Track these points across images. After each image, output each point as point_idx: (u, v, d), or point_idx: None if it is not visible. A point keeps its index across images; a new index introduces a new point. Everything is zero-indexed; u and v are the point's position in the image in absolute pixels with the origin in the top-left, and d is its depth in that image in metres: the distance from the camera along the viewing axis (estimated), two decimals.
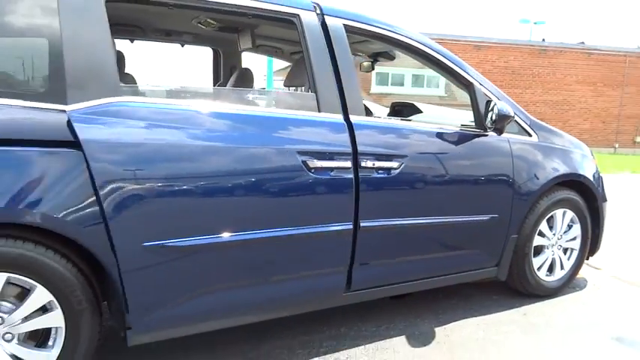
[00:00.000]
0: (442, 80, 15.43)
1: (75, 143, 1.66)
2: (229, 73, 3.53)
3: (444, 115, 3.33)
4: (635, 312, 2.86)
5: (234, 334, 2.34)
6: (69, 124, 1.66)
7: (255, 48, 3.15)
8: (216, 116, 1.95)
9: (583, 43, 17.35)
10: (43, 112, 1.66)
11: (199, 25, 2.85)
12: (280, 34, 3.10)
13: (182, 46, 3.44)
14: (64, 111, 1.67)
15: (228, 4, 2.04)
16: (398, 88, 15.35)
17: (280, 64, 8.85)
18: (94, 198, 1.68)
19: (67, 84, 1.69)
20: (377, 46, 2.99)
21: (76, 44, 1.72)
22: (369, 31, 2.40)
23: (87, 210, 1.68)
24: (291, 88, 2.63)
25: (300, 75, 2.49)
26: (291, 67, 2.57)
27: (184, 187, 1.82)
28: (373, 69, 3.44)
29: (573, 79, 16.28)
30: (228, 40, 3.30)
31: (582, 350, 2.39)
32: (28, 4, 1.69)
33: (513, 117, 2.55)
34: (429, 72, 15.52)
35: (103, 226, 1.70)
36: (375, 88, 15.06)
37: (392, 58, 3.28)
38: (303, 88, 2.50)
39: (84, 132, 1.67)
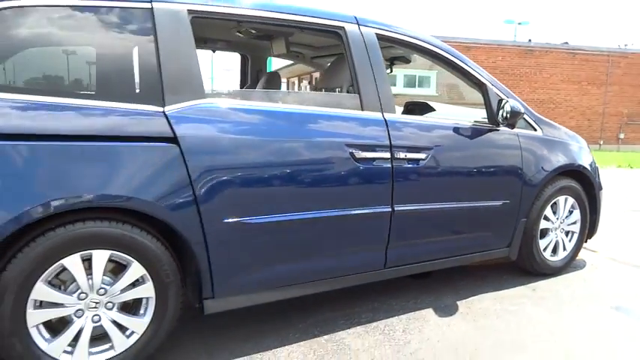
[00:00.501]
0: (433, 80, 15.86)
1: (172, 139, 1.96)
2: (256, 76, 3.82)
3: (455, 113, 3.66)
4: (630, 286, 3.22)
5: (282, 307, 2.64)
6: (167, 122, 1.95)
7: (288, 53, 3.45)
8: (282, 113, 2.27)
9: (567, 43, 17.93)
10: (146, 114, 1.95)
11: (238, 33, 3.14)
12: (307, 41, 3.41)
13: (213, 52, 3.73)
14: (163, 112, 1.97)
15: (289, 20, 2.37)
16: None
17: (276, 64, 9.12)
18: (188, 185, 1.97)
19: (164, 89, 1.98)
20: (397, 51, 3.30)
21: (169, 56, 2.01)
22: (396, 38, 2.73)
23: (180, 195, 1.97)
24: (325, 89, 2.93)
25: (335, 77, 2.79)
26: (326, 71, 2.87)
27: (257, 173, 2.13)
28: (391, 71, 3.76)
29: (559, 78, 16.82)
30: (257, 46, 3.59)
31: (587, 317, 2.73)
32: (129, 24, 1.98)
33: (524, 113, 2.89)
34: (420, 72, 15.94)
35: (194, 208, 1.99)
36: None
37: (408, 61, 3.60)
38: (340, 89, 2.80)
39: (179, 129, 1.96)
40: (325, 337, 2.43)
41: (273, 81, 3.51)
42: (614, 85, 17.36)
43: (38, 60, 1.94)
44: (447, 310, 2.78)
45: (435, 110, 3.55)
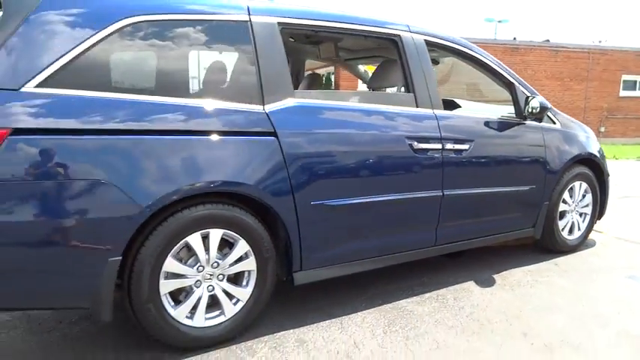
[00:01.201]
0: None
1: (272, 133, 2.28)
2: (296, 78, 4.13)
3: (480, 109, 4.03)
4: (638, 259, 3.64)
5: (344, 283, 2.98)
6: (268, 119, 2.28)
7: (336, 57, 3.79)
8: (356, 110, 2.61)
9: (548, 40, 18.58)
10: (250, 112, 2.27)
11: (290, 39, 3.46)
12: (349, 46, 3.74)
13: None
14: (264, 110, 2.29)
15: (361, 30, 2.72)
16: None
17: None
18: (284, 172, 2.30)
19: (264, 90, 2.31)
20: (434, 54, 3.67)
21: (266, 61, 2.34)
22: (440, 44, 3.09)
23: (278, 181, 2.30)
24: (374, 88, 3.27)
25: (387, 78, 3.13)
26: (376, 73, 3.21)
27: (337, 162, 2.47)
28: None
29: (543, 74, 17.45)
30: (300, 49, 3.91)
31: (607, 285, 3.14)
32: (233, 35, 2.31)
33: (551, 108, 3.28)
34: None
35: (289, 192, 2.32)
36: (361, 87, 15.79)
37: (437, 63, 3.97)
38: (395, 88, 3.15)
39: (278, 124, 2.29)
40: (389, 305, 2.78)
41: (315, 81, 3.85)
42: (594, 80, 18.08)
43: (169, 66, 2.23)
44: (485, 282, 3.16)
45: (460, 107, 3.92)
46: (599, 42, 20.70)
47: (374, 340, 2.38)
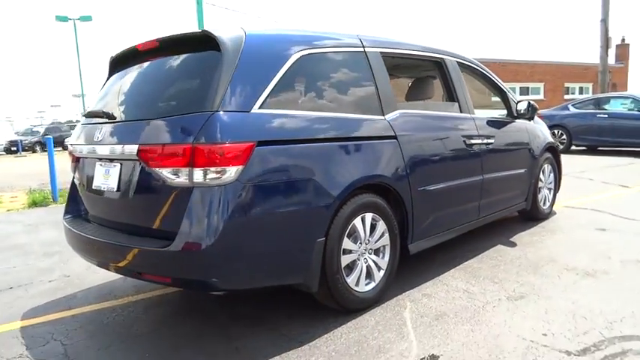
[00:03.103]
0: None
1: (394, 136, 2.97)
2: None
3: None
4: (596, 218, 4.89)
5: (424, 256, 3.72)
6: (390, 126, 2.97)
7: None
8: (435, 117, 3.42)
9: None
10: (378, 121, 2.94)
11: None
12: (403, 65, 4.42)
13: None
14: (385, 119, 2.98)
15: (419, 55, 3.51)
16: None
17: None
18: (403, 166, 3.00)
19: (382, 104, 3.00)
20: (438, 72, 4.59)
21: (380, 81, 3.03)
22: (464, 64, 4.02)
23: (401, 172, 2.99)
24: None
25: (425, 91, 3.94)
26: (413, 86, 3.99)
27: (430, 156, 3.25)
28: None
29: None
30: None
31: (588, 236, 4.28)
32: (358, 62, 2.97)
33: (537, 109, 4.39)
34: None
35: (407, 181, 3.02)
36: None
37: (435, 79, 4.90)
38: (428, 99, 3.98)
39: (396, 129, 2.99)
40: (461, 265, 3.59)
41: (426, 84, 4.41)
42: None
43: (327, 87, 2.81)
44: (508, 244, 4.11)
45: None
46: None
47: (469, 283, 3.16)
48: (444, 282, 3.28)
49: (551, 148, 4.96)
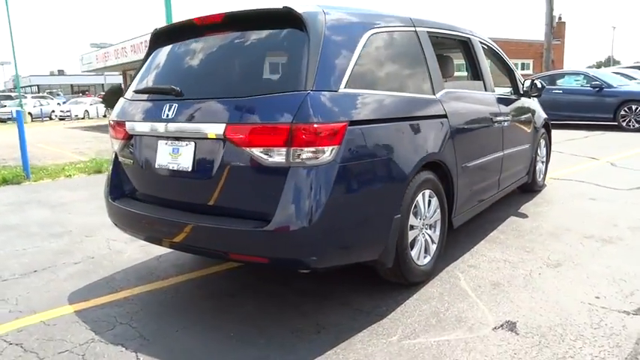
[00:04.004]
0: None
1: (444, 115, 3.06)
2: None
3: None
4: (585, 189, 5.28)
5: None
6: (441, 105, 3.05)
7: None
8: (471, 96, 3.58)
9: None
10: (432, 100, 3.02)
11: None
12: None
13: None
14: (436, 98, 3.05)
15: (451, 34, 3.60)
16: None
17: None
18: (451, 143, 3.10)
19: (433, 82, 3.07)
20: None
21: (430, 59, 3.09)
22: (485, 43, 4.15)
23: (450, 150, 3.09)
24: None
25: (450, 70, 4.04)
26: (443, 65, 4.05)
27: (470, 133, 3.39)
28: None
29: None
30: None
31: (583, 204, 4.63)
32: (411, 42, 3.00)
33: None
34: None
35: (455, 158, 3.14)
36: None
37: None
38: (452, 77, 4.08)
39: (446, 107, 3.08)
40: (487, 237, 3.80)
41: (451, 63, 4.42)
42: None
43: (394, 68, 2.83)
44: (520, 215, 4.39)
45: None
46: None
47: (505, 253, 3.38)
48: (480, 253, 3.48)
49: (546, 124, 5.26)
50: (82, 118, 28.88)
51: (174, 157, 2.58)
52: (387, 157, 2.54)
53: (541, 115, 5.08)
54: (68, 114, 29.12)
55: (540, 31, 17.56)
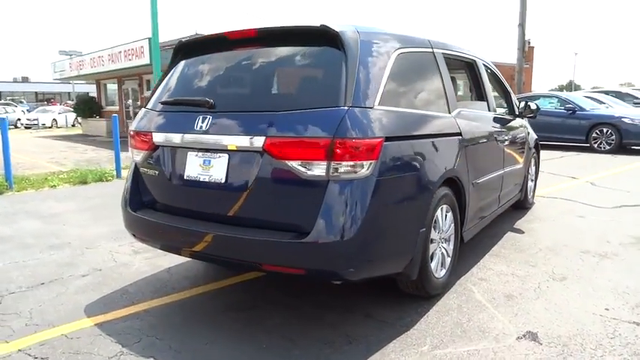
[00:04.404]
0: None
1: (459, 133, 3.19)
2: None
3: None
4: (570, 206, 5.51)
5: None
6: (455, 122, 3.18)
7: None
8: (479, 116, 3.70)
9: None
10: (448, 118, 3.14)
11: None
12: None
13: None
14: (452, 116, 3.18)
15: (461, 56, 3.75)
16: None
17: None
18: (464, 160, 3.22)
19: (448, 101, 3.20)
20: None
21: (446, 80, 3.23)
22: (488, 67, 4.34)
23: (464, 166, 3.22)
24: None
25: (457, 90, 4.21)
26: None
27: (478, 151, 3.51)
28: None
29: None
30: None
31: (573, 221, 4.84)
32: (430, 64, 3.13)
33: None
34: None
35: (467, 175, 3.27)
36: None
37: None
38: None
39: (460, 125, 3.22)
40: (490, 251, 3.93)
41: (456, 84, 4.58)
42: None
43: (418, 86, 2.94)
44: (516, 231, 4.55)
45: None
46: None
47: (510, 267, 3.51)
48: (487, 267, 3.60)
49: (536, 144, 5.50)
50: (50, 127, 28.11)
51: (206, 169, 2.60)
52: (416, 172, 2.64)
53: (533, 135, 5.32)
54: (35, 122, 28.26)
55: (509, 54, 18.31)
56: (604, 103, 12.50)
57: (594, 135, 11.08)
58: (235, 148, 2.49)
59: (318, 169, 2.29)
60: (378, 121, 2.42)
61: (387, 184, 2.41)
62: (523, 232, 4.50)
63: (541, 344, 2.47)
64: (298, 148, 2.31)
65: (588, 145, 11.20)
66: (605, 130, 10.95)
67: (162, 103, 2.92)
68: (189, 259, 3.76)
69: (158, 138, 2.81)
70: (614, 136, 10.79)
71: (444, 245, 3.12)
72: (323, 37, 2.52)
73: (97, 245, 4.25)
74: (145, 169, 2.96)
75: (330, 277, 2.45)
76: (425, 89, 3.05)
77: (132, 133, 3.04)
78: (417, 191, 2.66)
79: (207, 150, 2.61)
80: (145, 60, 14.99)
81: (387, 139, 2.44)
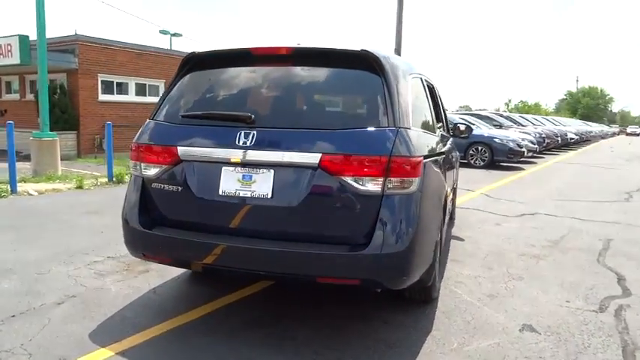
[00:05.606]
0: (161, 89, 16.61)
1: (444, 152, 3.58)
2: None
3: None
4: (482, 215, 6.31)
5: None
6: (440, 142, 3.58)
7: None
8: (446, 135, 4.11)
9: None
10: (437, 138, 3.52)
11: None
12: None
13: None
14: (437, 136, 3.58)
15: (428, 80, 4.18)
16: (123, 96, 15.63)
17: None
18: (444, 175, 3.61)
19: (434, 124, 3.59)
20: None
21: (431, 105, 3.61)
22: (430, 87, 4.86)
23: (448, 180, 3.61)
24: None
25: None
26: None
27: (449, 168, 3.94)
28: None
29: None
30: None
31: (494, 229, 5.58)
32: (424, 91, 3.48)
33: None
34: (150, 82, 16.43)
35: (448, 189, 3.66)
36: (102, 97, 14.93)
37: None
38: None
39: (444, 145, 3.62)
40: (447, 259, 4.39)
41: None
42: None
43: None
44: (456, 238, 5.12)
45: None
46: None
47: (474, 271, 4.00)
48: (456, 271, 4.02)
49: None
50: None
51: (246, 184, 2.58)
52: (438, 187, 2.95)
53: (457, 152, 6.02)
54: None
55: None
56: (474, 124, 14.31)
57: (471, 152, 12.67)
58: (284, 164, 2.52)
59: (374, 185, 2.45)
60: (417, 141, 2.66)
61: (425, 197, 2.66)
62: (463, 240, 5.08)
63: (540, 334, 2.90)
64: (355, 164, 2.44)
65: (466, 161, 12.74)
66: (480, 148, 12.58)
67: (187, 116, 2.79)
68: (166, 279, 3.59)
69: (186, 152, 2.69)
70: (487, 154, 12.46)
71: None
72: (362, 61, 2.68)
73: (47, 270, 3.79)
74: (161, 184, 2.80)
75: (384, 285, 2.60)
76: (423, 111, 3.38)
77: (141, 146, 2.85)
78: (439, 204, 2.97)
79: (246, 165, 2.59)
80: (15, 60, 13.29)
81: (424, 157, 2.69)
